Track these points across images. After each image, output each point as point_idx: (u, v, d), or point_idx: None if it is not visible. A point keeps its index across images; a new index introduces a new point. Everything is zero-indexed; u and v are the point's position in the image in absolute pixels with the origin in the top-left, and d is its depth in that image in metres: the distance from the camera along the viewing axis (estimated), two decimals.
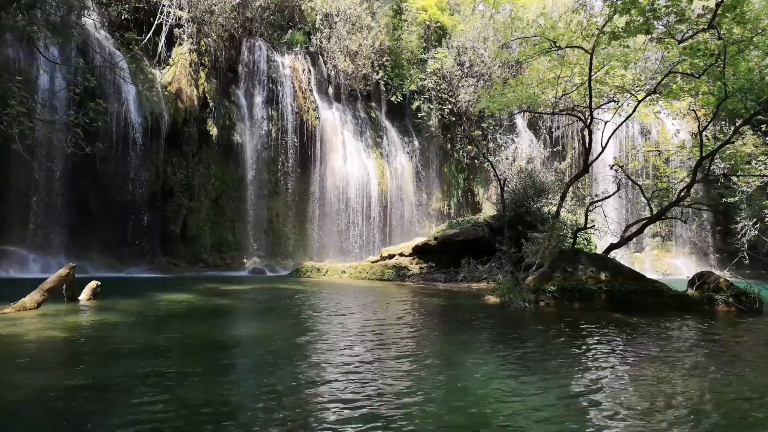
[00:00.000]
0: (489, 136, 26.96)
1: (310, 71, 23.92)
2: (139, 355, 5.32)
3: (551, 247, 12.59)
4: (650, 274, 13.70)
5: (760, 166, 16.74)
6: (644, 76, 18.32)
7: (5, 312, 7.60)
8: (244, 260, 21.02)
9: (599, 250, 14.38)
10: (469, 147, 27.13)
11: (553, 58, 14.21)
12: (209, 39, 20.92)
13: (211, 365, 5.12)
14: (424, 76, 26.47)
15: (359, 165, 24.12)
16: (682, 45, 11.15)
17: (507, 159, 23.12)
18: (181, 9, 20.11)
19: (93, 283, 9.58)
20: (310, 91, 23.61)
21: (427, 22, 27.45)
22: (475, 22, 27.26)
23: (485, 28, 26.76)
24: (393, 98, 26.10)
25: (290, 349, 5.94)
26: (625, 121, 14.35)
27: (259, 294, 12.27)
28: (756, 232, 20.32)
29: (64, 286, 8.80)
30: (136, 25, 19.52)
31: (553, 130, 28.94)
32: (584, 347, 6.37)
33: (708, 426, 3.66)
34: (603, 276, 10.55)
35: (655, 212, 13.45)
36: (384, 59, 25.54)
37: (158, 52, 19.97)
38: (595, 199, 15.45)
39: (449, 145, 27.93)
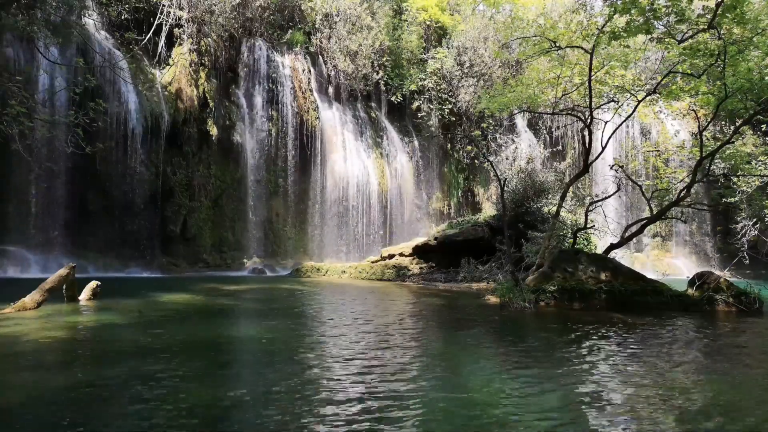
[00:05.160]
0: (489, 136, 26.95)
1: (310, 71, 23.92)
2: (138, 356, 5.32)
3: (551, 247, 12.58)
4: (650, 274, 13.70)
5: (760, 166, 16.74)
6: (644, 76, 18.33)
7: (5, 312, 7.60)
8: (244, 260, 21.01)
9: (599, 250, 14.38)
10: (469, 147, 27.12)
11: (553, 58, 14.22)
12: (209, 39, 20.91)
13: (211, 366, 5.11)
14: (424, 76, 26.47)
15: (359, 165, 24.11)
16: (682, 45, 11.15)
17: (507, 159, 23.13)
18: (181, 9, 20.11)
19: (93, 283, 9.58)
20: (310, 91, 23.61)
21: (427, 22, 27.45)
22: (475, 22, 27.25)
23: (485, 28, 26.75)
24: (393, 98, 26.10)
25: (290, 349, 5.94)
26: (625, 121, 14.34)
27: (260, 294, 12.27)
28: (756, 232, 20.33)
29: (64, 286, 8.80)
30: (136, 25, 19.51)
31: (553, 130, 28.94)
32: (585, 347, 6.37)
33: (710, 426, 3.66)
34: (603, 276, 10.55)
35: (655, 212, 13.45)
36: (384, 59, 25.54)
37: (158, 52, 19.97)
38: (595, 199, 15.45)
39: (449, 145, 27.93)
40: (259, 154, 21.94)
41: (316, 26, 24.41)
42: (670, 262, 26.12)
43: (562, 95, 14.63)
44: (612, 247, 12.64)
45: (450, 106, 26.57)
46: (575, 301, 10.08)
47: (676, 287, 10.69)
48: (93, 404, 3.84)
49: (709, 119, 14.18)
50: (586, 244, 16.72)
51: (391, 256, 18.71)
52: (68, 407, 3.78)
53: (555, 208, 13.86)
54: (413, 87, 26.28)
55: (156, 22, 19.50)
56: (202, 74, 20.84)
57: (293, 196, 22.71)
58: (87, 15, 17.54)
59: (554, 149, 27.90)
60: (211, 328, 7.25)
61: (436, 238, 18.30)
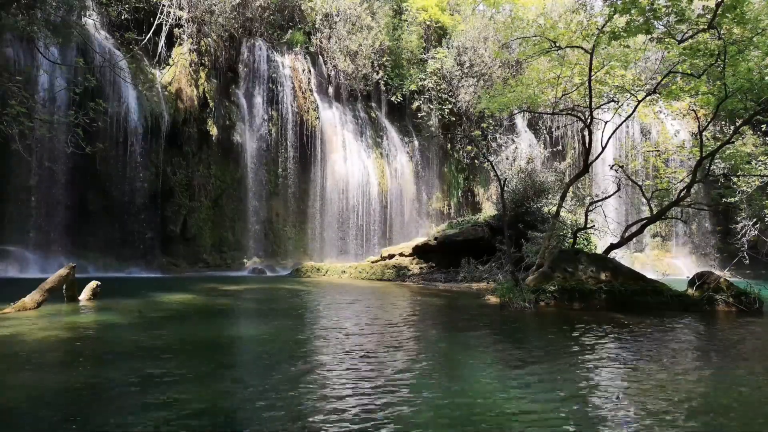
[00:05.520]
0: (489, 136, 26.94)
1: (310, 71, 23.91)
2: (138, 356, 5.32)
3: (551, 247, 12.58)
4: (650, 274, 13.70)
5: (760, 166, 16.75)
6: (644, 76, 18.33)
7: (5, 312, 7.60)
8: (244, 260, 21.01)
9: (599, 250, 14.38)
10: (469, 147, 27.12)
11: (553, 58, 14.22)
12: (209, 39, 20.91)
13: (211, 366, 5.11)
14: (424, 76, 26.46)
15: (359, 165, 24.11)
16: (682, 45, 11.15)
17: (507, 159, 23.14)
18: (181, 9, 20.10)
19: (93, 283, 9.58)
20: (310, 91, 23.61)
21: (427, 22, 27.44)
22: (475, 22, 27.24)
23: (485, 28, 26.74)
24: (393, 98, 26.09)
25: (290, 350, 5.94)
26: (625, 121, 14.35)
27: (260, 294, 12.26)
28: (756, 232, 20.33)
29: (64, 286, 8.80)
30: (136, 25, 19.51)
31: (553, 130, 28.93)
32: (585, 347, 6.37)
33: (710, 426, 3.65)
34: (603, 276, 10.55)
35: (655, 212, 13.45)
36: (384, 59, 25.53)
37: (158, 52, 19.96)
38: (595, 199, 15.45)
39: (449, 145, 27.92)
40: (259, 154, 21.93)
41: (316, 26, 24.40)
42: (670, 262, 26.12)
43: (562, 95, 14.63)
44: (612, 247, 12.64)
45: (450, 106, 26.56)
46: (575, 301, 10.08)
47: (676, 287, 10.69)
48: (93, 404, 3.84)
49: (709, 119, 14.19)
50: (586, 244, 16.73)
51: (391, 256, 18.71)
52: (68, 407, 3.79)
53: (555, 208, 13.86)
54: (413, 87, 26.26)
55: (156, 22, 19.49)
56: (202, 74, 20.83)
57: (293, 196, 22.70)
58: (87, 15, 17.54)
59: (554, 149, 27.90)
60: (211, 328, 7.25)
61: (436, 238, 18.31)
